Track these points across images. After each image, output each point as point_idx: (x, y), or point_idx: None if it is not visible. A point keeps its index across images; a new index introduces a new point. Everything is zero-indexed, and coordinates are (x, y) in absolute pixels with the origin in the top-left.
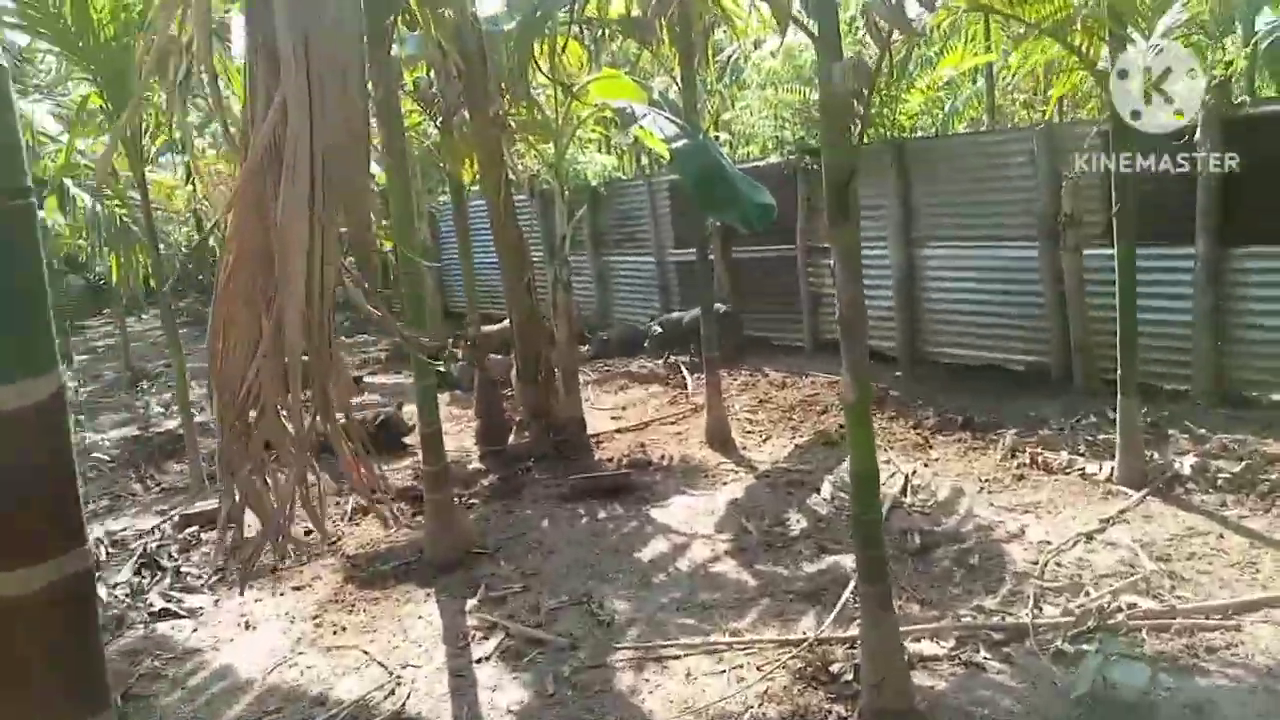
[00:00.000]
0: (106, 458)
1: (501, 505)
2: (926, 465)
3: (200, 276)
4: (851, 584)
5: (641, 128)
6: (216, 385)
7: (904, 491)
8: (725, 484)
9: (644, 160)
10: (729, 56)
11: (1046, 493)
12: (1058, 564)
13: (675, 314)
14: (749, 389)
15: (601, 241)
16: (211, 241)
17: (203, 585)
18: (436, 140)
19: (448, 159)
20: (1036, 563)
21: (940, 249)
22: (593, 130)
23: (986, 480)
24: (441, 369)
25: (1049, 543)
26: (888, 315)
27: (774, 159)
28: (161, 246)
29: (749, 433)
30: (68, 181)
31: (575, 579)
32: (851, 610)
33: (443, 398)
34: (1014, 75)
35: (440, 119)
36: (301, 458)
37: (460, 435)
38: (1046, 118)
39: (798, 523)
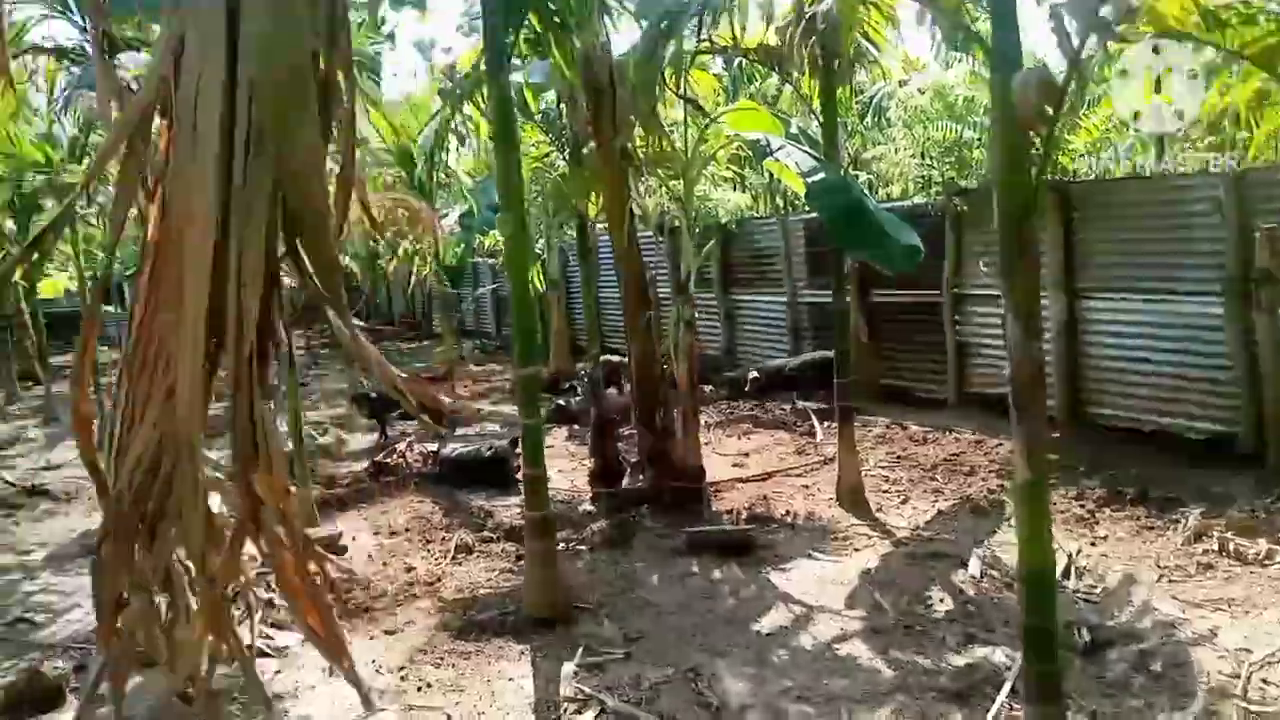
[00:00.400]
0: None
1: (610, 554)
2: (1094, 544)
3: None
4: (1008, 686)
5: (776, 160)
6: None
7: (1066, 574)
8: (857, 550)
9: (779, 201)
10: (872, 97)
11: (1241, 587)
12: (1264, 681)
13: (777, 361)
14: (885, 442)
15: (731, 280)
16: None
17: (293, 622)
18: (564, 171)
19: (574, 190)
20: (1237, 676)
21: (1106, 300)
22: (726, 169)
23: (1166, 567)
24: (562, 404)
25: (1249, 650)
26: (1048, 371)
27: (919, 199)
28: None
29: (885, 493)
30: None
31: (683, 649)
32: None
33: (561, 433)
34: (1204, 114)
35: (568, 149)
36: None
37: (575, 473)
38: (1240, 162)
39: (941, 603)
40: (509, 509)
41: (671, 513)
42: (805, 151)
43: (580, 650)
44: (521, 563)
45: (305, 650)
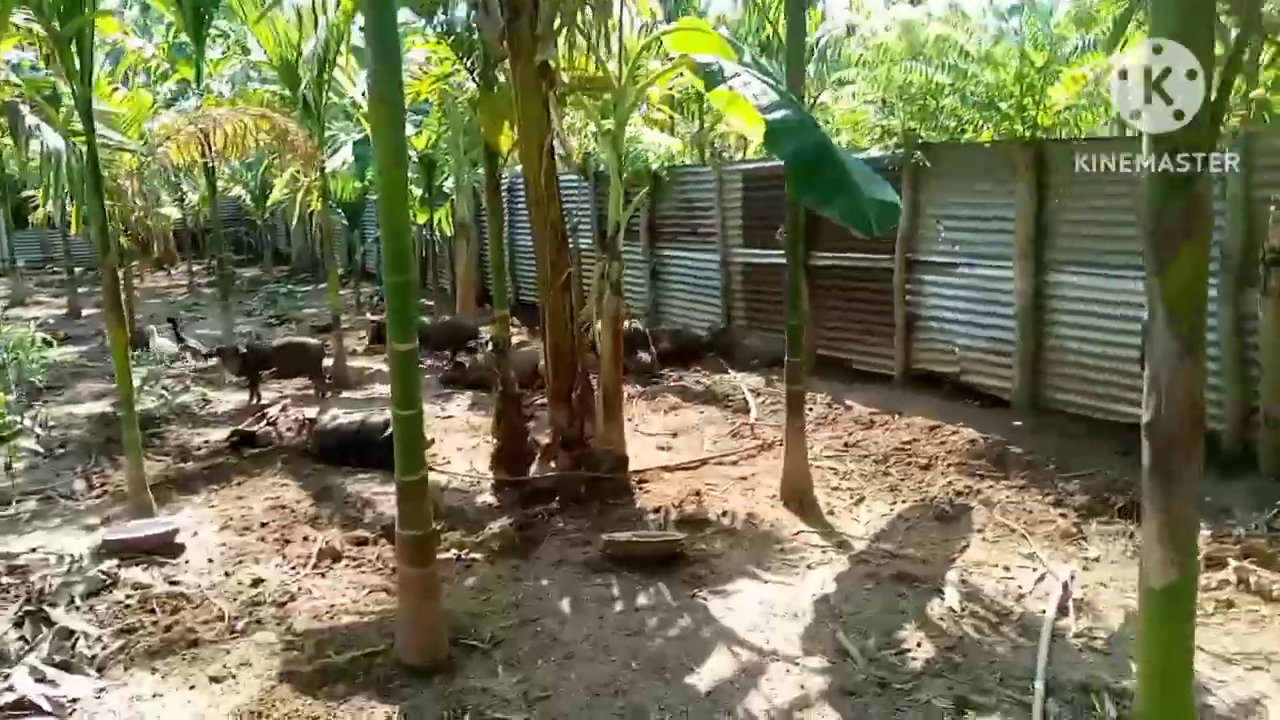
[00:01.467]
0: (40, 449)
1: (511, 567)
2: (1086, 568)
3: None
4: None
5: (729, 90)
6: None
7: (1064, 611)
8: (810, 567)
9: (708, 152)
10: (819, 37)
11: (1275, 637)
12: None
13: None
14: (828, 425)
15: (659, 234)
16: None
17: (93, 658)
18: (473, 95)
19: (483, 120)
20: None
21: (1077, 276)
22: (658, 108)
23: None
24: (462, 362)
25: None
26: (1005, 350)
27: (875, 151)
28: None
29: (835, 490)
30: (24, 108)
31: (600, 713)
32: None
33: (462, 400)
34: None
35: (477, 68)
36: None
37: (475, 451)
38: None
39: (919, 647)
40: (393, 498)
41: (588, 509)
42: (765, 82)
43: (467, 716)
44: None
45: (97, 703)
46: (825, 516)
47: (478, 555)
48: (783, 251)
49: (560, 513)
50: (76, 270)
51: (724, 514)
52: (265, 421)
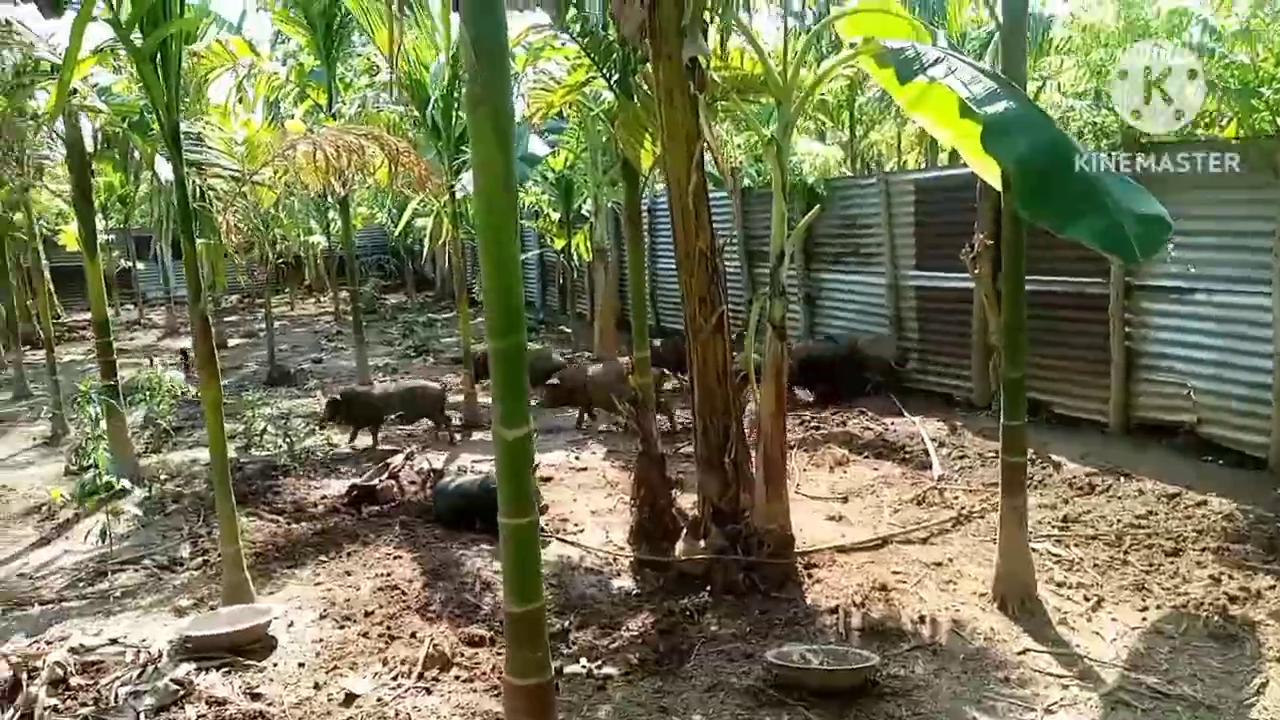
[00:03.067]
0: (140, 512)
1: (654, 690)
2: None
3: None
4: None
5: (929, 81)
6: None
7: None
8: (1050, 711)
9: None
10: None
11: None
12: None
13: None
14: (1035, 487)
15: (815, 255)
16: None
17: None
18: (610, 107)
19: (621, 132)
20: None
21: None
22: (810, 114)
23: None
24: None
25: None
26: (1260, 397)
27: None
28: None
29: (1062, 585)
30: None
31: None
32: None
33: (598, 449)
34: None
35: (614, 73)
36: None
37: (612, 517)
38: None
39: None
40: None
41: (746, 605)
42: (977, 68)
43: None
44: None
45: None
46: (1056, 627)
47: (612, 670)
48: (965, 274)
49: (713, 608)
50: (224, 302)
51: (921, 619)
52: (388, 474)
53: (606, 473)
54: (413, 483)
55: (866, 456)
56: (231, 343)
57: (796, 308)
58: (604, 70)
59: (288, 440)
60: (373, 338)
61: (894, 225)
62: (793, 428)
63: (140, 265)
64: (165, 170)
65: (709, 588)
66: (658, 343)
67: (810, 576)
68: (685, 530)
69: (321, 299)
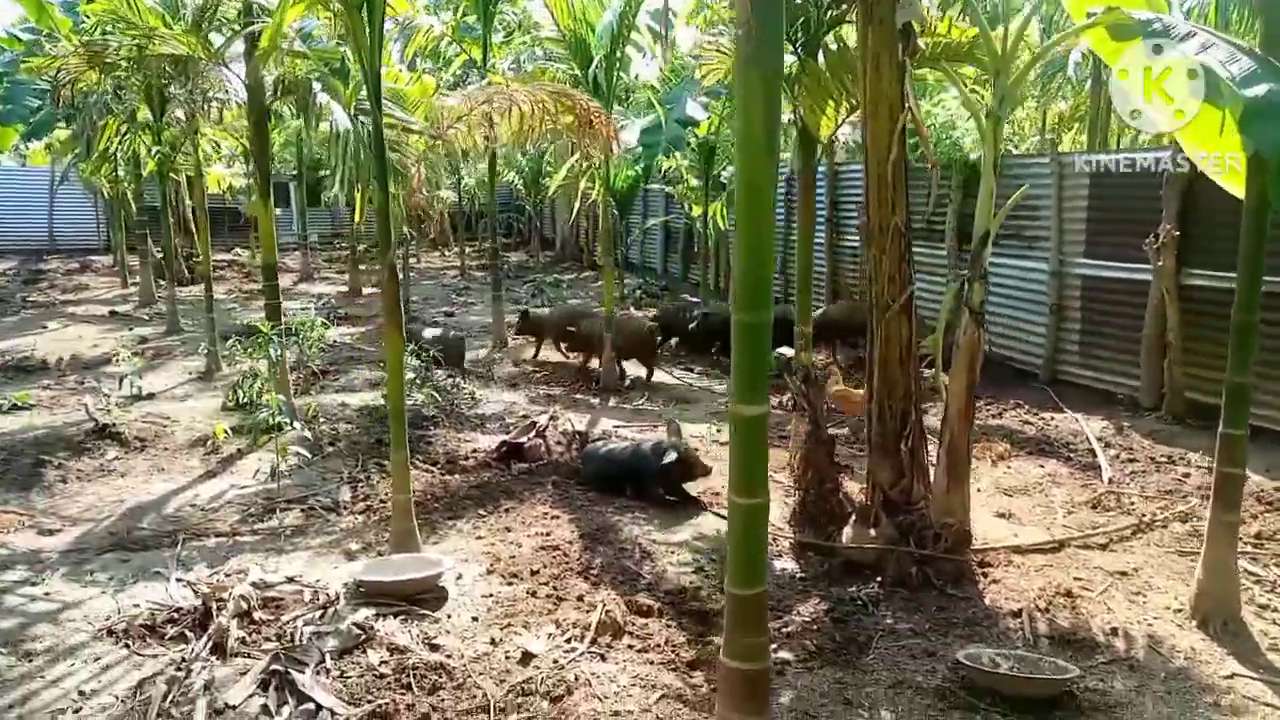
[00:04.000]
0: (307, 453)
1: (835, 680)
2: None
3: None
4: None
5: (1180, 56)
6: None
7: None
8: None
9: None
10: None
11: None
12: None
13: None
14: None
15: (971, 236)
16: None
17: None
18: (791, 69)
19: (803, 98)
20: None
21: None
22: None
23: None
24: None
25: None
26: None
27: None
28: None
29: (1265, 607)
30: (316, 86)
31: None
32: None
33: None
34: None
35: (800, 35)
36: None
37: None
38: None
39: None
40: (677, 547)
41: (921, 600)
42: (1236, 45)
43: None
44: (696, 671)
45: None
46: (1266, 653)
47: (788, 655)
48: (1141, 265)
49: (886, 600)
50: (360, 248)
51: (1114, 632)
52: (535, 432)
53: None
54: (559, 443)
55: (1030, 453)
56: (366, 291)
57: (945, 291)
58: (790, 32)
59: (436, 390)
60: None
61: (1064, 208)
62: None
63: (278, 211)
64: (341, 120)
65: (879, 578)
66: (653, 313)
67: (985, 575)
68: (853, 516)
69: (446, 253)
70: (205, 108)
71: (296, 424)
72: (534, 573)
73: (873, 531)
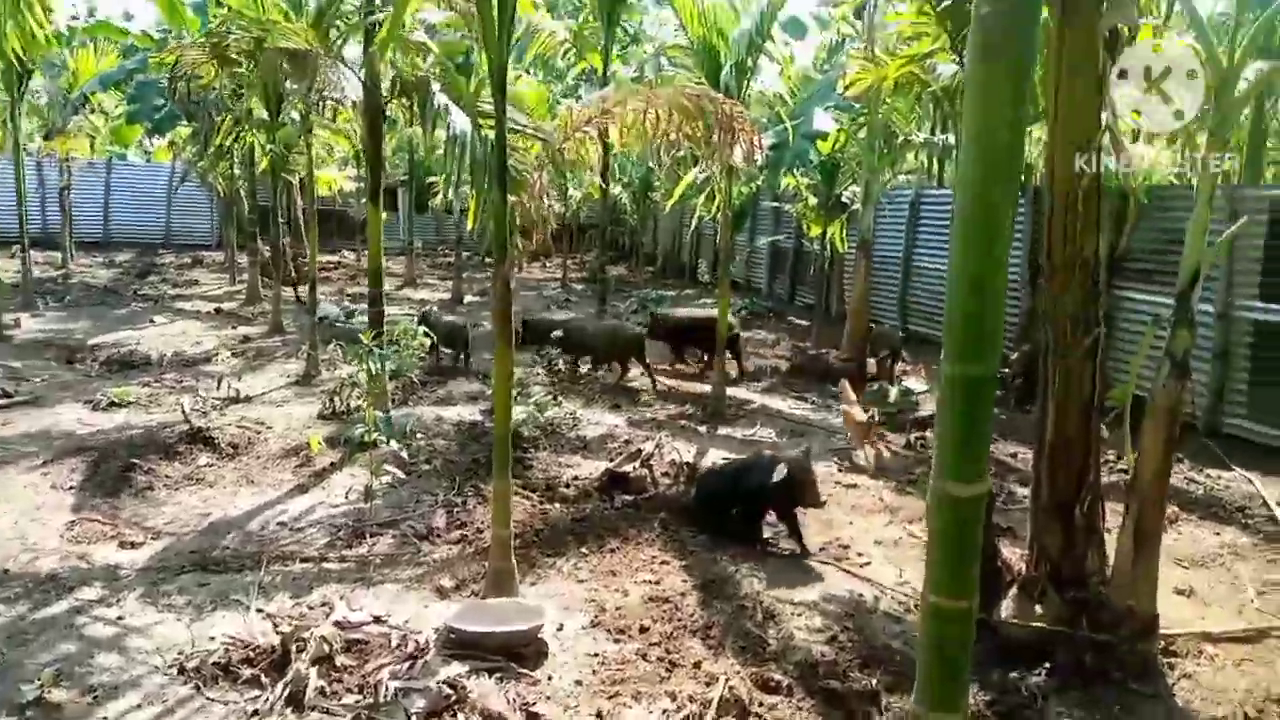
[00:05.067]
0: (402, 474)
1: None
2: None
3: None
4: None
5: None
6: None
7: None
8: None
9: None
10: None
11: None
12: None
13: None
14: None
15: (1120, 270)
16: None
17: None
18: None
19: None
20: None
21: None
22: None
23: None
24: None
25: None
26: None
27: None
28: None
29: None
30: (434, 86)
31: None
32: None
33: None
34: None
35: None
36: None
37: (898, 550)
38: None
39: None
40: (805, 609)
41: (1099, 697)
42: None
43: None
44: None
45: None
46: None
47: None
48: None
49: (1057, 694)
50: (464, 255)
51: None
52: (640, 461)
53: (883, 494)
54: (665, 474)
55: (1201, 517)
56: (468, 299)
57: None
58: (956, 40)
59: (533, 410)
60: (608, 313)
61: (1235, 246)
62: None
63: (385, 215)
64: (460, 122)
65: (1047, 664)
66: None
67: (1173, 668)
68: (1015, 587)
69: (547, 264)
70: (321, 106)
71: (392, 442)
72: (643, 629)
73: (1038, 608)
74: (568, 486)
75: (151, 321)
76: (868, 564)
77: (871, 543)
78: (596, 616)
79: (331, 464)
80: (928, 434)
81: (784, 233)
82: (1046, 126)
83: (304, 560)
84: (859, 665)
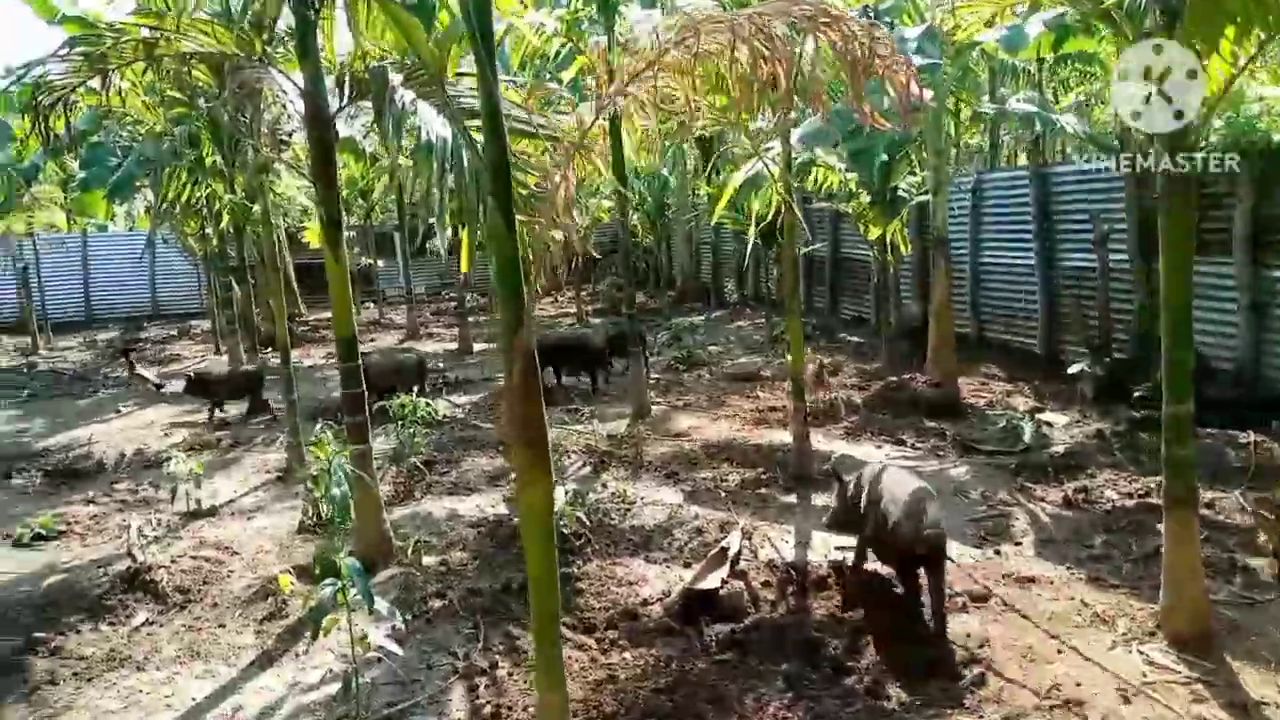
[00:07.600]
0: (399, 621)
1: None
2: None
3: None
4: None
5: None
6: None
7: None
8: None
9: None
10: None
11: None
12: None
13: None
14: None
15: (1268, 246)
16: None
17: None
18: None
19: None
20: None
21: None
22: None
23: None
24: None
25: None
26: None
27: None
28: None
29: None
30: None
31: None
32: None
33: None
34: None
35: None
36: None
37: (1154, 713)
38: None
39: None
40: None
41: None
42: None
43: None
44: None
45: None
46: None
47: None
48: None
49: None
50: (469, 300)
51: None
52: (728, 568)
53: (1083, 596)
54: (766, 584)
55: None
56: (477, 348)
57: (1233, 316)
58: None
59: (575, 496)
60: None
61: None
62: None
63: (380, 263)
64: (429, 120)
65: None
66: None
67: None
68: None
69: (559, 298)
70: (261, 133)
71: (382, 606)
72: None
73: None
74: (635, 617)
75: (118, 411)
76: None
77: (1114, 694)
78: None
79: (311, 608)
80: (1089, 485)
81: (819, 239)
82: None
83: None
84: None
